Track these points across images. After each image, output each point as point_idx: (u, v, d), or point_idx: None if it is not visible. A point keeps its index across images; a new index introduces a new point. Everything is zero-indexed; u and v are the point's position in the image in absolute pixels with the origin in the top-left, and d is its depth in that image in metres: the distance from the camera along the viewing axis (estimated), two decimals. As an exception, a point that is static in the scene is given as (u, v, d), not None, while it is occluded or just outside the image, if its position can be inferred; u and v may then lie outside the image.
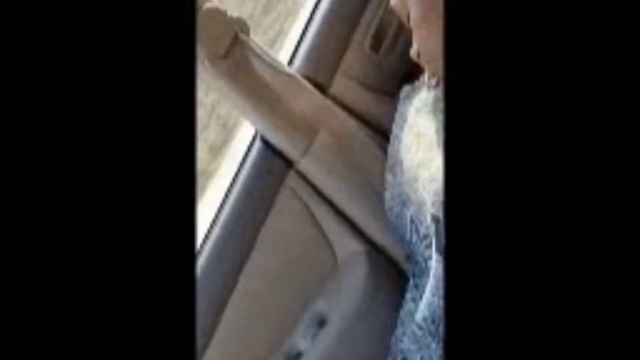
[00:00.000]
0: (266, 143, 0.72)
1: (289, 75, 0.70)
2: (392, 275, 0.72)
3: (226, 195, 0.73)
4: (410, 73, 0.71)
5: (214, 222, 0.72)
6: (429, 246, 0.60)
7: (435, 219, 0.57)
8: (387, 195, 0.68)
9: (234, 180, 0.73)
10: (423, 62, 0.62)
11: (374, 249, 0.73)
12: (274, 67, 0.68)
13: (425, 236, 0.60)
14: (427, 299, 0.58)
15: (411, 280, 0.67)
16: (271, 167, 0.72)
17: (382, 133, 0.73)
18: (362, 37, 0.72)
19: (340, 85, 0.73)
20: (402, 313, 0.65)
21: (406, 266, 0.71)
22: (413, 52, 0.62)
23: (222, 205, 0.73)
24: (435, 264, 0.58)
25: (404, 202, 0.64)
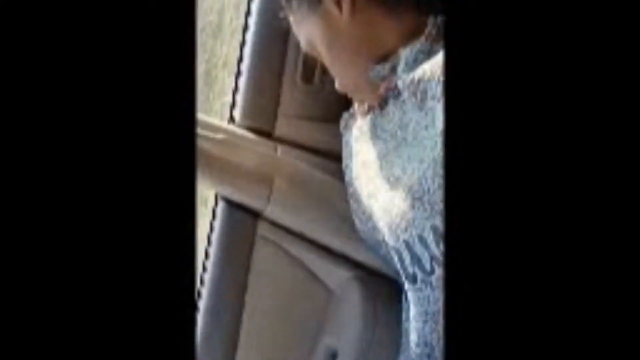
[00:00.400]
0: (229, 202, 0.73)
1: (229, 136, 0.71)
2: (389, 293, 0.73)
3: (204, 262, 0.74)
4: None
5: (198, 294, 0.74)
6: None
7: (396, 250, 0.58)
8: (356, 220, 0.69)
9: (208, 244, 0.75)
10: (348, 93, 0.64)
11: (366, 271, 0.74)
12: (210, 136, 0.69)
13: (395, 263, 0.61)
14: (413, 326, 0.59)
15: (404, 298, 0.68)
16: (240, 222, 0.73)
17: (336, 160, 0.74)
18: (292, 74, 0.73)
19: (284, 125, 0.74)
20: (403, 334, 0.66)
21: (401, 280, 0.72)
22: (337, 85, 0.63)
23: (203, 272, 0.74)
24: (409, 293, 0.59)
25: (371, 227, 0.65)
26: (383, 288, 0.74)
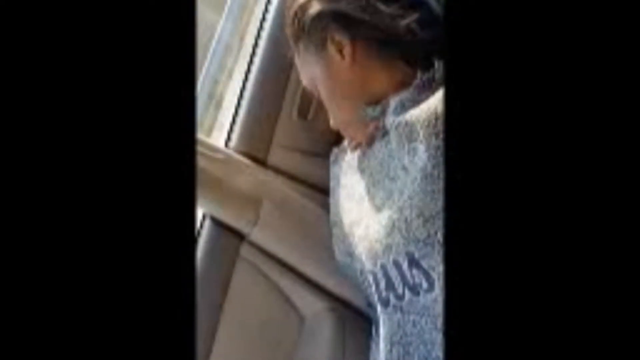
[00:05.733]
0: (215, 221, 0.81)
1: (225, 158, 0.80)
2: (360, 324, 0.80)
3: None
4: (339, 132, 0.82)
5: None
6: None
7: (372, 274, 0.67)
8: (336, 249, 0.77)
9: (191, 261, 0.82)
10: (340, 130, 0.75)
11: (340, 303, 0.82)
12: (207, 155, 0.79)
13: (371, 288, 0.70)
14: (381, 348, 0.67)
15: (373, 329, 0.76)
16: (224, 243, 0.81)
17: (323, 192, 0.83)
18: (289, 109, 0.84)
19: (277, 155, 0.83)
20: (370, 363, 0.74)
21: (372, 313, 0.80)
22: (331, 121, 0.75)
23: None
24: (381, 317, 0.68)
25: (350, 255, 0.74)
26: (354, 320, 0.81)
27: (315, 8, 0.69)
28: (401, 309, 0.65)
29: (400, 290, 0.64)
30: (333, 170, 0.79)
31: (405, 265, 0.62)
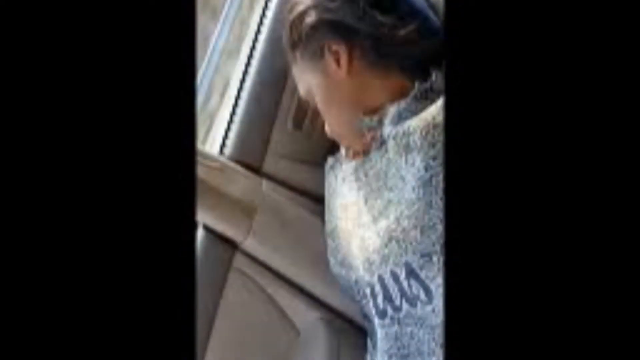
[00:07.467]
0: (208, 230, 0.81)
1: (220, 166, 0.80)
2: (354, 336, 0.81)
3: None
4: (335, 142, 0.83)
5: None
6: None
7: (369, 285, 0.67)
8: (331, 260, 0.77)
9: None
10: (337, 139, 0.75)
11: (334, 314, 0.82)
12: (203, 163, 0.79)
13: (367, 299, 0.70)
14: None
15: (369, 341, 0.76)
16: (217, 252, 0.81)
17: (318, 201, 0.83)
18: (284, 117, 0.84)
19: (272, 164, 0.84)
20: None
21: (367, 324, 0.80)
22: (327, 130, 0.75)
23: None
24: (378, 329, 0.68)
25: (346, 265, 0.74)
26: (349, 331, 0.81)
27: (312, 17, 0.69)
28: (398, 321, 0.65)
29: (397, 302, 0.64)
30: (329, 179, 0.79)
31: (402, 276, 0.63)
